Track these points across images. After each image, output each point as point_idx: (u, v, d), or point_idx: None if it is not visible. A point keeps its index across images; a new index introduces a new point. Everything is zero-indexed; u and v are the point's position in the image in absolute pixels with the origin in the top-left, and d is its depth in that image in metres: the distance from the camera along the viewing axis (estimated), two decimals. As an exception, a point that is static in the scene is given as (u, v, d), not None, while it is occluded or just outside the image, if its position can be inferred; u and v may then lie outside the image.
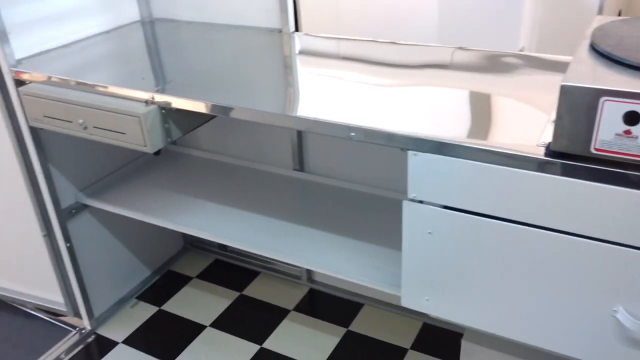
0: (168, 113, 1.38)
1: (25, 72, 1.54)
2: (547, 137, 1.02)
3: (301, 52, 1.61)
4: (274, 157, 1.93)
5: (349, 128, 1.15)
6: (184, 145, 2.10)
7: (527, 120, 1.11)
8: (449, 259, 1.15)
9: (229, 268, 2.24)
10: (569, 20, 1.84)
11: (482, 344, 1.32)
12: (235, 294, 2.10)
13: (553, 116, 1.09)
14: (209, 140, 2.05)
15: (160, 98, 1.35)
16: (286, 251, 1.51)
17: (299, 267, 2.09)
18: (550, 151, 0.97)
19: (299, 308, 2.02)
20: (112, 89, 1.42)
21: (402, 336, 1.87)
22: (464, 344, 1.35)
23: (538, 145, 1.01)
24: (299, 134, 1.84)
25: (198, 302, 2.07)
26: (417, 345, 1.83)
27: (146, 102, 1.36)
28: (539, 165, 0.98)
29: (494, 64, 1.42)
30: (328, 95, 1.29)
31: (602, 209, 0.96)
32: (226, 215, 1.68)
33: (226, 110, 1.28)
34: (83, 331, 1.96)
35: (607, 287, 1.01)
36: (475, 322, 1.18)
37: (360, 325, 1.93)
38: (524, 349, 1.26)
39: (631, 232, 0.95)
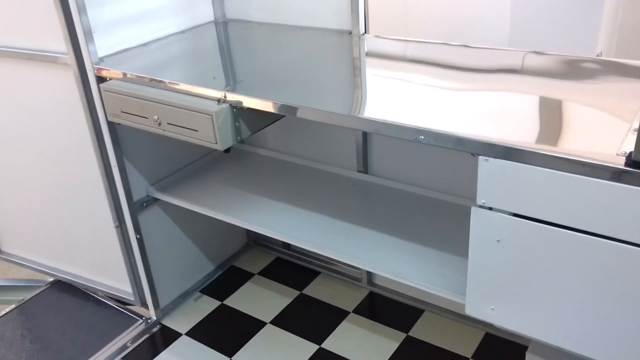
0: (239, 112, 1.41)
1: (106, 69, 1.61)
2: (628, 146, 0.97)
3: (370, 54, 1.61)
4: (339, 158, 1.94)
5: (418, 131, 1.14)
6: (251, 145, 2.14)
7: (605, 128, 1.07)
8: (517, 268, 1.12)
9: (290, 267, 2.27)
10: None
11: (549, 359, 1.28)
12: (295, 293, 2.12)
13: (635, 125, 1.05)
14: (275, 140, 2.08)
15: (232, 97, 1.38)
16: (348, 252, 1.51)
17: (359, 269, 2.08)
18: (631, 161, 0.93)
19: (358, 310, 2.02)
20: (186, 87, 1.46)
21: (463, 345, 1.83)
22: (529, 357, 1.31)
23: (618, 155, 0.96)
24: (364, 135, 1.84)
25: (259, 299, 2.11)
26: (479, 355, 1.79)
27: (218, 100, 1.40)
28: (618, 176, 0.94)
29: (569, 69, 1.37)
30: (396, 98, 1.29)
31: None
32: (290, 214, 1.70)
33: (294, 110, 1.30)
34: (149, 321, 2.03)
35: (689, 306, 0.96)
36: (543, 334, 1.14)
37: (421, 331, 1.91)
38: (593, 366, 1.21)
39: None
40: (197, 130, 1.43)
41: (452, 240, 1.52)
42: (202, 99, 1.43)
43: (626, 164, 0.94)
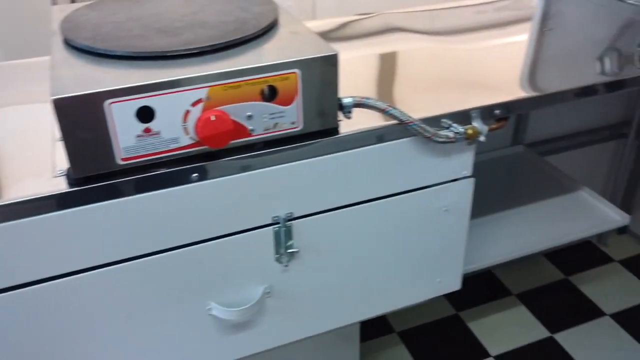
0: None
1: None
2: (62, 162, 0.82)
3: None
4: None
5: None
6: None
7: (31, 147, 0.88)
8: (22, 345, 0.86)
9: None
10: (26, 16, 1.62)
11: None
12: None
13: (56, 133, 0.90)
14: None
15: None
16: None
17: None
18: (73, 180, 0.79)
19: None
20: None
21: None
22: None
23: (56, 177, 0.80)
24: None
25: None
26: None
27: None
28: (65, 202, 0.78)
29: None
30: None
31: (153, 218, 0.84)
32: None
33: None
34: None
35: (192, 291, 0.93)
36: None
37: None
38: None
39: (190, 229, 0.88)
40: None
41: None
42: None
43: (70, 184, 0.78)
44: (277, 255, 0.96)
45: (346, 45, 1.26)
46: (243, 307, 0.95)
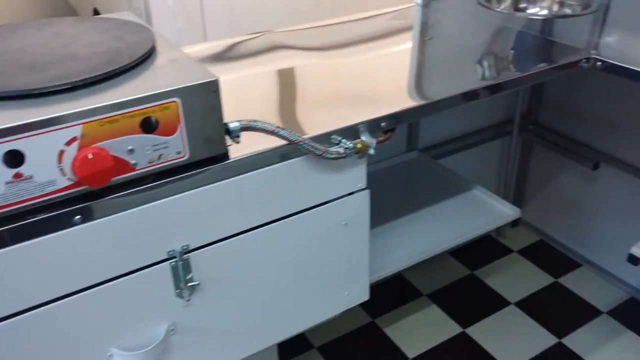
0: None
1: None
2: None
3: None
4: None
5: None
6: None
7: None
8: None
9: None
10: None
11: None
12: None
13: None
14: None
15: None
16: None
17: None
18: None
19: None
20: None
21: None
22: None
23: None
24: None
25: None
26: None
27: None
28: None
29: None
30: None
31: (37, 268, 0.78)
32: None
33: None
34: None
35: (89, 338, 0.87)
36: None
37: None
38: None
39: (80, 274, 0.82)
40: None
41: None
42: None
43: None
44: (178, 290, 0.92)
45: (236, 65, 1.24)
46: (146, 349, 0.91)
